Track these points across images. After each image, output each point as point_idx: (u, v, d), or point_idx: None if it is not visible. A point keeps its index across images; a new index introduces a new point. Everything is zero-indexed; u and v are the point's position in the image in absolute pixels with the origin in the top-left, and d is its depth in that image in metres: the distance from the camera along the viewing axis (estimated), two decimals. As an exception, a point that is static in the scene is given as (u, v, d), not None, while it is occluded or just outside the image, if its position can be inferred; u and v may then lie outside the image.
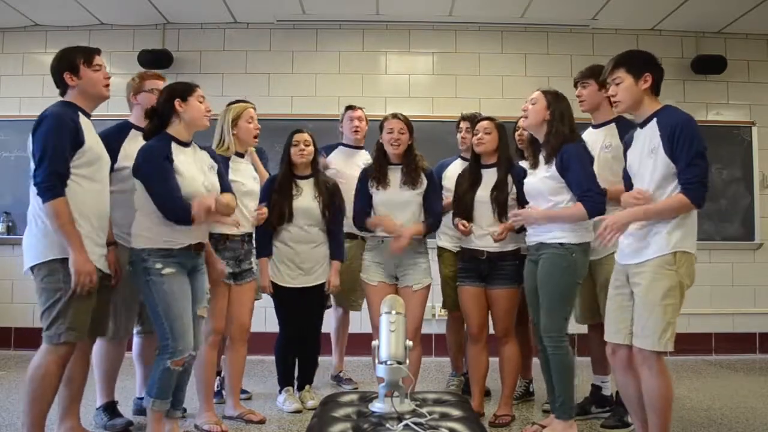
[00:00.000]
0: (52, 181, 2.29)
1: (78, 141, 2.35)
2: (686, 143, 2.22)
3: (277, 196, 3.21)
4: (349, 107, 3.84)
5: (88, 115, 2.50)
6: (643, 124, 2.39)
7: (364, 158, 3.75)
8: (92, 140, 2.44)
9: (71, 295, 2.31)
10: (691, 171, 2.22)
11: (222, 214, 2.58)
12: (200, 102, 2.55)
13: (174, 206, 2.41)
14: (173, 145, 2.49)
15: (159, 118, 2.53)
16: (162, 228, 2.43)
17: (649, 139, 2.33)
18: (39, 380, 2.31)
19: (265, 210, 3.09)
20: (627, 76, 2.36)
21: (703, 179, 2.23)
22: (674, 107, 2.37)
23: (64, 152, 2.32)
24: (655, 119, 2.33)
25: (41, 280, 2.35)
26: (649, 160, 2.32)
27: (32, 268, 2.37)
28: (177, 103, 2.50)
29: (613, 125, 2.95)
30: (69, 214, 2.31)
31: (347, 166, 3.68)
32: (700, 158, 2.23)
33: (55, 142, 2.30)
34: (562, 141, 2.70)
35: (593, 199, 2.62)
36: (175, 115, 2.52)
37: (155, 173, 2.42)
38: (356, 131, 3.78)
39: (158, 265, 2.40)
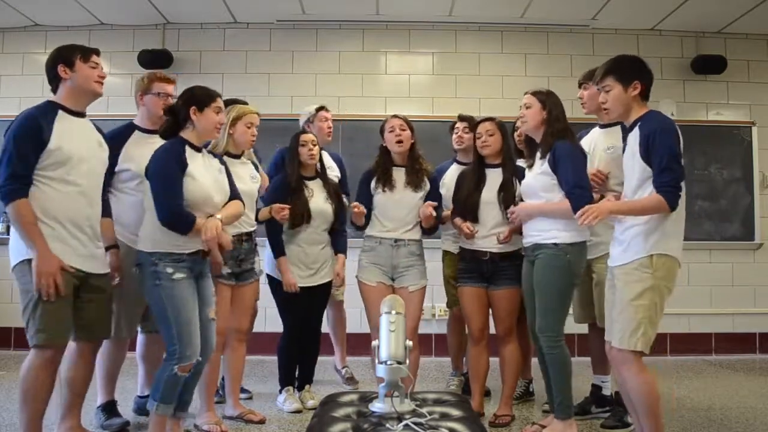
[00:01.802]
0: (11, 184, 2.28)
1: (40, 143, 2.31)
2: (660, 149, 2.25)
3: (295, 197, 3.20)
4: (321, 108, 3.80)
5: (78, 114, 2.47)
6: (630, 129, 2.42)
7: (326, 160, 3.74)
8: (66, 141, 2.37)
9: (39, 297, 2.28)
10: (665, 175, 2.25)
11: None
12: (216, 113, 2.53)
13: (171, 212, 2.37)
14: (187, 149, 2.48)
15: (175, 118, 2.51)
16: (172, 232, 2.40)
17: (633, 143, 2.37)
18: (29, 382, 2.31)
19: (286, 208, 3.11)
20: (616, 84, 2.38)
21: (676, 184, 2.26)
22: (657, 112, 2.40)
23: (23, 154, 2.28)
24: (639, 124, 2.36)
25: (18, 281, 2.36)
26: (631, 163, 2.38)
27: (13, 270, 2.38)
28: (192, 111, 2.48)
29: (618, 128, 2.95)
30: (30, 214, 2.28)
31: None
32: (674, 163, 2.25)
33: (14, 145, 2.28)
34: (557, 138, 2.72)
35: (579, 196, 2.62)
36: (190, 122, 2.50)
37: (161, 174, 2.39)
38: (329, 133, 3.78)
39: (169, 270, 2.37)
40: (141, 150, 2.64)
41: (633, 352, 2.28)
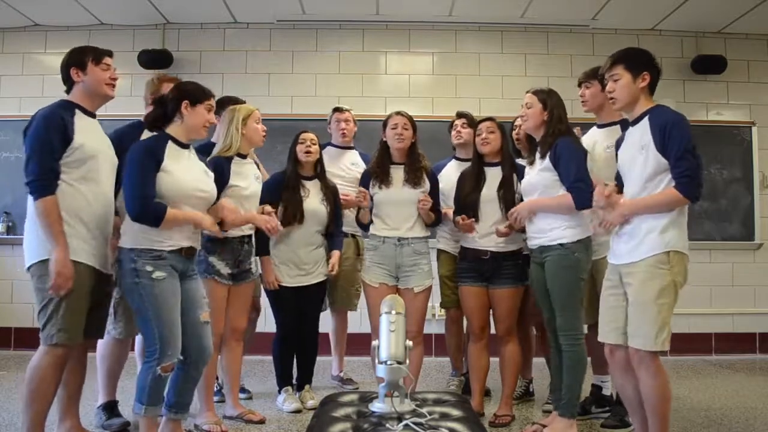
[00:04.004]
0: (42, 179, 2.28)
1: (65, 139, 2.32)
2: (676, 139, 2.23)
3: (288, 195, 3.20)
4: (336, 109, 3.82)
5: (91, 114, 2.49)
6: (634, 122, 2.40)
7: (351, 158, 3.75)
8: (86, 138, 2.39)
9: (62, 296, 2.28)
10: (682, 165, 2.22)
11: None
12: (207, 111, 2.51)
13: (139, 204, 2.30)
14: (170, 144, 2.43)
15: (163, 110, 2.48)
16: (151, 228, 2.35)
17: (639, 136, 2.34)
18: (37, 381, 2.30)
19: (269, 209, 3.04)
20: (625, 74, 2.37)
21: (694, 173, 2.23)
22: (666, 106, 2.38)
23: (52, 149, 2.30)
24: (647, 117, 2.34)
25: (36, 280, 2.34)
26: (639, 156, 2.33)
27: (30, 268, 2.36)
28: (184, 105, 2.45)
29: (617, 127, 2.95)
30: (57, 213, 2.28)
31: (333, 166, 3.67)
32: (690, 154, 2.23)
33: (43, 140, 2.29)
34: (557, 137, 2.73)
35: (581, 190, 2.62)
36: (179, 115, 2.47)
37: (132, 166, 2.34)
38: (343, 134, 3.78)
39: (149, 268, 2.31)
40: None
41: (652, 353, 2.25)
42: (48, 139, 2.29)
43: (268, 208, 3.04)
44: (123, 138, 2.71)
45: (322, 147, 3.72)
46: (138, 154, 2.38)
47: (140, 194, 2.32)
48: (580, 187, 2.63)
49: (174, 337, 2.36)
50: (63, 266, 2.27)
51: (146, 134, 2.79)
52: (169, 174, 2.38)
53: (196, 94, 2.49)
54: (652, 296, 2.24)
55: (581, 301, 2.77)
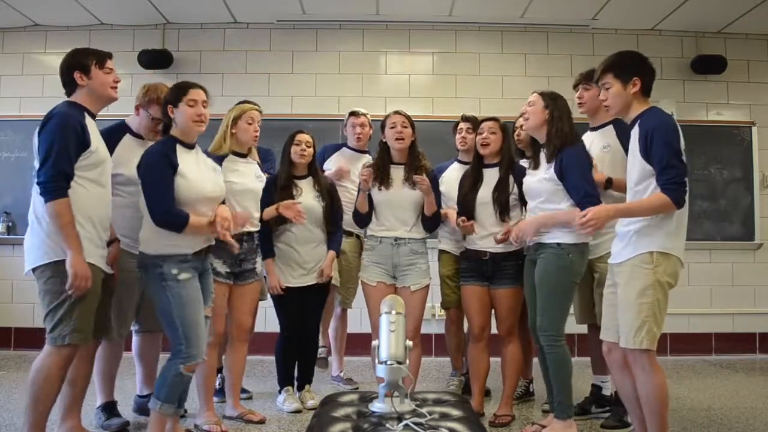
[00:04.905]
0: (56, 182, 2.29)
1: (84, 142, 2.35)
2: (660, 146, 2.22)
3: (280, 196, 3.19)
4: (353, 113, 3.82)
5: (93, 116, 2.50)
6: (631, 126, 2.41)
7: (366, 162, 3.75)
8: (98, 142, 2.44)
9: (76, 297, 2.30)
10: (669, 173, 2.21)
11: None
12: (191, 106, 2.48)
13: (163, 213, 2.38)
14: (178, 147, 2.48)
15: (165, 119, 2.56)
16: (173, 234, 2.41)
17: (633, 140, 2.36)
18: (42, 381, 2.31)
19: (297, 203, 3.10)
20: (615, 82, 2.36)
21: (681, 180, 2.23)
22: (658, 109, 2.37)
23: (69, 153, 2.31)
24: (639, 121, 2.35)
25: (45, 282, 2.34)
26: (632, 160, 2.36)
27: (35, 270, 2.36)
28: (170, 109, 2.50)
29: (610, 127, 2.97)
30: (71, 215, 2.30)
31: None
32: (677, 159, 2.23)
33: (61, 143, 2.29)
34: (563, 141, 2.71)
35: (592, 203, 2.60)
36: (173, 120, 2.52)
37: (151, 175, 2.41)
38: (359, 138, 3.77)
39: (174, 271, 2.39)
40: (133, 155, 2.61)
41: (643, 351, 2.26)
42: (66, 143, 2.30)
43: (288, 202, 3.11)
44: (110, 138, 2.71)
45: (337, 147, 3.73)
46: (155, 162, 2.43)
47: (164, 203, 2.39)
48: (590, 202, 2.59)
49: (199, 339, 2.42)
50: (80, 267, 2.29)
51: (128, 140, 2.83)
52: (185, 179, 2.43)
53: (176, 95, 2.52)
54: (633, 295, 2.26)
55: (568, 303, 2.76)
